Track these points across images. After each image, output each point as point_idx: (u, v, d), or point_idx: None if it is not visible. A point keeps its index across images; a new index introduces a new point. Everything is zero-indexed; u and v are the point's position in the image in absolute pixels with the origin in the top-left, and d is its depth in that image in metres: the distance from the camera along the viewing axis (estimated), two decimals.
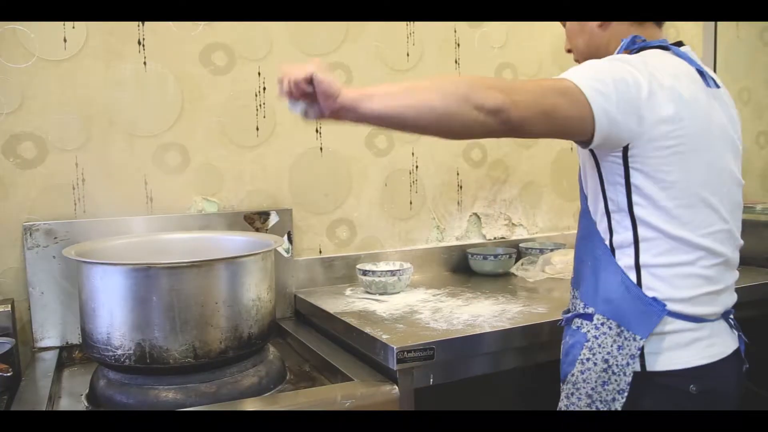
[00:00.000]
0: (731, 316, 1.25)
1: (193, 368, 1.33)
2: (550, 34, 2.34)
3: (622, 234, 1.18)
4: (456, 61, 2.22)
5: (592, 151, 1.18)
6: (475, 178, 2.29)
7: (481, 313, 1.61)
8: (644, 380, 1.15)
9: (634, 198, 1.15)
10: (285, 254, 1.93)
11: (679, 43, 1.26)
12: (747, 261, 2.10)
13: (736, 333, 1.25)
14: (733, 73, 2.59)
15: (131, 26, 1.75)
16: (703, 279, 1.17)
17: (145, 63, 1.77)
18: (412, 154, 2.17)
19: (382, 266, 1.94)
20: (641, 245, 1.16)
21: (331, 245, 2.06)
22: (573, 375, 1.22)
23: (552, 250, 2.14)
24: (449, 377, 1.45)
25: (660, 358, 1.15)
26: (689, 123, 1.12)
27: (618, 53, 1.23)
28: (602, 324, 1.19)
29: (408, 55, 2.13)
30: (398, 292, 1.87)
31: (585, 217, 1.27)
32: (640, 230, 1.16)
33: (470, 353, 1.46)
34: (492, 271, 2.11)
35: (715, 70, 2.26)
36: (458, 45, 2.22)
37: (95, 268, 1.33)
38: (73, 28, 1.69)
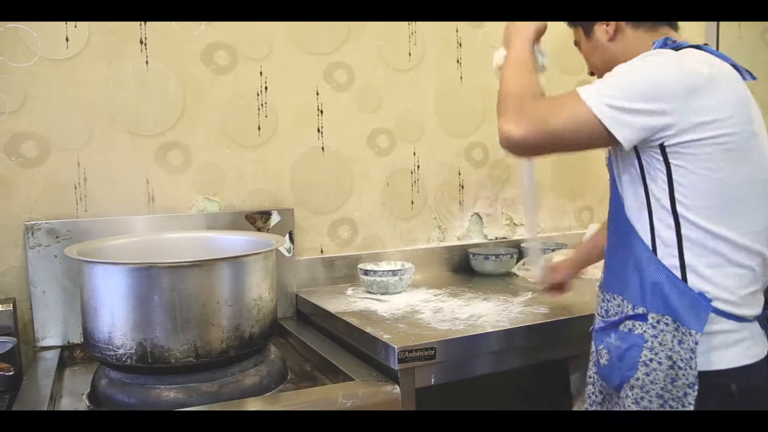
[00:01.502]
0: (764, 318, 1.25)
1: (195, 368, 1.33)
2: (551, 33, 2.33)
3: (665, 233, 1.17)
4: (458, 61, 2.21)
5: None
6: (476, 178, 2.29)
7: (482, 313, 1.61)
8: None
9: (677, 195, 1.15)
10: (286, 254, 1.93)
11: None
12: None
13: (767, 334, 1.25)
14: None
15: (133, 25, 1.75)
16: (748, 278, 1.18)
17: (147, 62, 1.77)
18: (414, 153, 2.17)
19: (384, 266, 1.93)
20: (685, 244, 1.16)
21: (333, 245, 2.06)
22: (638, 379, 1.17)
23: (553, 250, 2.13)
24: (451, 377, 1.45)
25: (706, 358, 1.14)
26: (737, 119, 1.13)
27: None
28: (658, 322, 1.16)
29: (410, 54, 2.13)
30: (399, 292, 1.87)
31: (619, 219, 1.25)
32: (684, 229, 1.15)
33: (472, 353, 1.46)
34: (493, 271, 2.11)
35: None
36: (460, 45, 2.22)
37: (97, 268, 1.34)
38: (75, 27, 1.69)
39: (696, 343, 1.12)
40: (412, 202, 2.18)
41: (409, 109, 2.15)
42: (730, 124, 1.12)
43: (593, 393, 1.30)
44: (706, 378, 1.13)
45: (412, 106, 2.15)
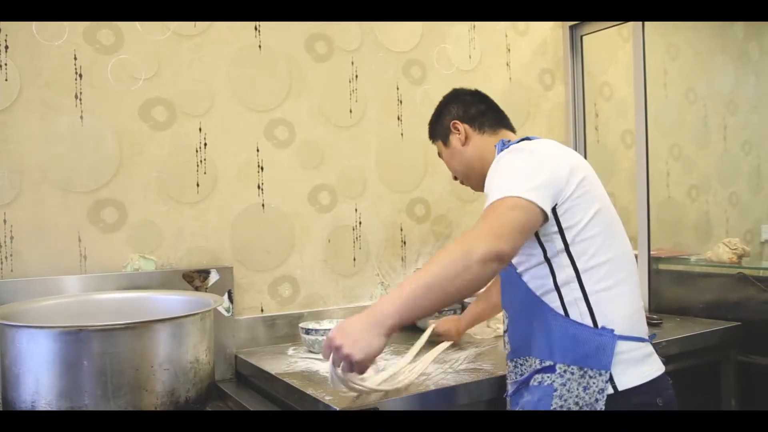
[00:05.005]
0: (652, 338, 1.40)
1: None
2: (489, 91, 2.39)
3: (564, 272, 1.30)
4: (398, 118, 2.25)
5: None
6: (418, 234, 2.30)
7: (426, 372, 1.59)
8: (619, 401, 1.25)
9: (568, 237, 1.29)
10: (225, 313, 1.88)
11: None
12: (683, 311, 2.16)
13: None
14: (663, 130, 2.70)
15: (68, 80, 1.71)
16: (634, 296, 1.35)
17: (81, 117, 1.73)
18: (356, 210, 2.16)
19: (326, 324, 1.90)
20: (583, 276, 1.30)
21: (273, 303, 2.02)
22: None
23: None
24: None
25: (625, 376, 1.27)
26: (584, 168, 1.34)
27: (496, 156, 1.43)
28: (565, 371, 1.28)
29: (351, 111, 2.15)
30: None
31: (513, 282, 1.38)
32: (579, 263, 1.30)
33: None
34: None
35: (646, 128, 2.35)
36: (400, 102, 2.25)
37: (20, 332, 1.27)
38: (6, 80, 1.64)
39: (606, 382, 1.24)
40: (354, 259, 2.17)
41: (350, 165, 2.15)
42: (583, 172, 1.32)
43: None
44: (627, 397, 1.26)
45: (354, 163, 2.16)
